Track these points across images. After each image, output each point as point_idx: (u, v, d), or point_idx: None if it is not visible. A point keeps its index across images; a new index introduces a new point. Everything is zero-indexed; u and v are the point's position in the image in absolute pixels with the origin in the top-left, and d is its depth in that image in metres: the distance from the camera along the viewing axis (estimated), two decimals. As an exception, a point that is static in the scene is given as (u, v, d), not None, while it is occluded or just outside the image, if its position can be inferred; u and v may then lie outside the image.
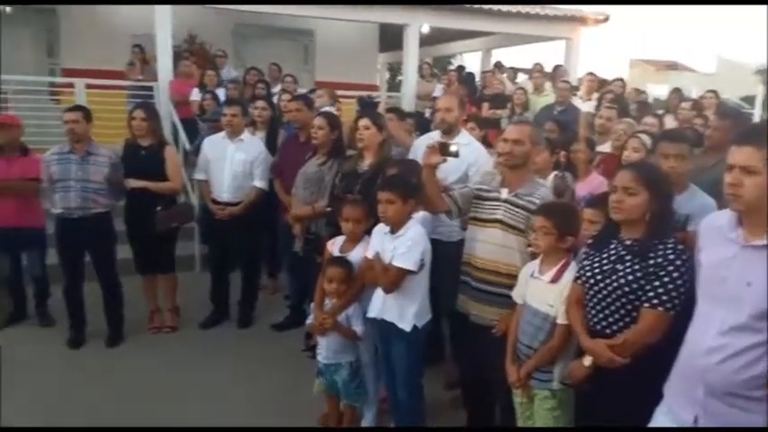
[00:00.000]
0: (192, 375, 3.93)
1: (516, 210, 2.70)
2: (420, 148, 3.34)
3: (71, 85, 7.59)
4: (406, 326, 2.82)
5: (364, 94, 8.40)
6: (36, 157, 4.46)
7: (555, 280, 2.46)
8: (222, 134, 4.60)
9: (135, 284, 4.59)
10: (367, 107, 5.22)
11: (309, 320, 3.16)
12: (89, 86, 7.44)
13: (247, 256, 4.76)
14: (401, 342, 2.86)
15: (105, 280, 4.32)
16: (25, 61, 9.15)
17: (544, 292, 2.48)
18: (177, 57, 7.88)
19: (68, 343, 4.26)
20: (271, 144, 4.96)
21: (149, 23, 7.72)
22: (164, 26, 7.66)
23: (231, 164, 4.50)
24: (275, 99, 6.41)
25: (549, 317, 2.46)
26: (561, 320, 2.42)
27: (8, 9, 9.22)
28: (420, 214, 2.93)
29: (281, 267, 5.36)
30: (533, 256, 2.60)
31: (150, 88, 7.67)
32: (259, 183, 4.57)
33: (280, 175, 4.59)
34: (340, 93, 6.70)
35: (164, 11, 7.63)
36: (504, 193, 2.75)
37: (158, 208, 4.32)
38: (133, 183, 4.25)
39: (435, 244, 2.96)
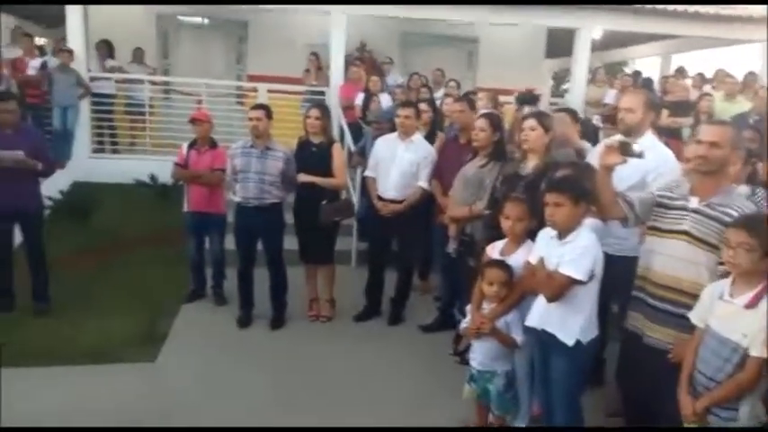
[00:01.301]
0: (343, 364, 4.07)
1: (707, 221, 2.39)
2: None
3: (255, 90, 8.33)
4: (568, 339, 2.63)
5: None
6: (222, 150, 4.94)
7: (751, 305, 2.13)
8: (395, 134, 4.72)
9: (298, 274, 4.86)
10: (526, 102, 4.96)
11: (464, 324, 3.09)
12: (270, 91, 8.11)
13: (405, 254, 4.83)
14: (562, 357, 2.67)
15: (273, 266, 4.63)
16: (217, 67, 10.25)
17: (737, 318, 2.15)
18: (348, 64, 8.29)
19: (237, 322, 4.64)
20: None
21: (326, 33, 8.22)
22: (338, 35, 8.11)
23: (400, 163, 4.60)
24: (438, 103, 6.46)
25: (740, 347, 2.13)
26: (757, 353, 2.08)
27: (206, 20, 10.39)
28: (590, 221, 2.72)
29: (432, 268, 5.37)
30: (725, 275, 2.27)
31: (322, 93, 8.16)
32: (423, 183, 4.62)
33: (438, 176, 4.59)
34: (502, 99, 6.57)
35: (339, 21, 8.08)
36: (694, 202, 2.45)
37: (323, 202, 4.54)
38: (303, 177, 4.51)
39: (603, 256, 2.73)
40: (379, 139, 4.90)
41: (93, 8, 8.37)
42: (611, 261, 2.79)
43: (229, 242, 4.94)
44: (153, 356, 4.06)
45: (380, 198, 4.67)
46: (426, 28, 9.81)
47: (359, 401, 3.60)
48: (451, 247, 4.09)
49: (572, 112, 4.11)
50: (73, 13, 7.70)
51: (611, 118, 5.31)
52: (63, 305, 4.75)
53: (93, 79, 7.94)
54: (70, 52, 7.53)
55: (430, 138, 5.09)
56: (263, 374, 3.88)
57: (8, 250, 4.69)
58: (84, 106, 7.81)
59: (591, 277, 2.57)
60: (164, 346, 4.21)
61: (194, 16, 10.27)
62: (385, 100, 7.06)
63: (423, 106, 5.27)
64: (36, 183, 4.68)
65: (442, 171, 4.53)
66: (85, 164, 7.73)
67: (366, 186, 4.95)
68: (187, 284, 5.16)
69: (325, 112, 4.72)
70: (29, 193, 4.61)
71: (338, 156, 4.64)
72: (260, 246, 4.65)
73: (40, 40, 11.36)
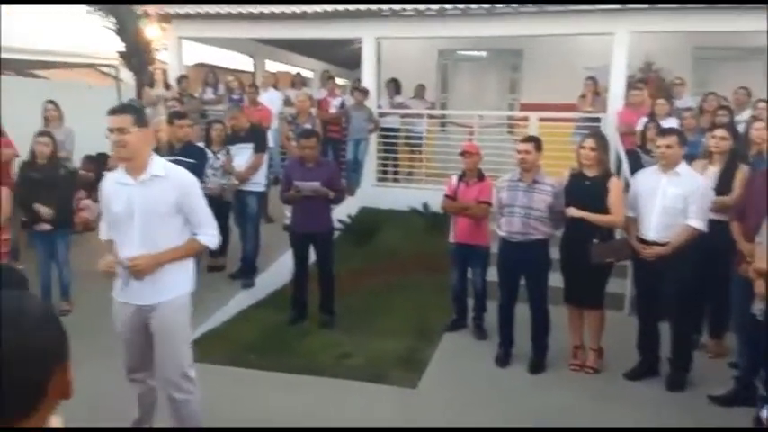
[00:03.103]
0: (605, 426, 3.63)
1: None
2: None
3: (526, 119, 8.26)
4: None
5: None
6: (489, 182, 4.96)
7: None
8: (655, 167, 4.19)
9: (562, 315, 4.56)
10: None
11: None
12: (541, 119, 7.94)
13: (679, 305, 4.12)
14: None
15: (535, 305, 4.43)
16: (491, 98, 10.47)
17: None
18: (629, 86, 7.64)
19: (496, 359, 4.54)
20: (726, 180, 4.26)
21: (606, 55, 7.73)
22: (619, 56, 7.57)
23: (662, 199, 4.03)
24: (741, 128, 5.51)
25: None
26: None
27: (483, 53, 10.71)
28: None
29: (728, 327, 4.51)
30: None
31: (598, 119, 7.67)
32: (695, 222, 3.95)
33: (740, 217, 3.85)
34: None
35: (621, 41, 7.53)
36: None
37: (595, 240, 4.19)
38: (573, 212, 4.23)
39: None
40: (638, 174, 4.37)
41: (385, 49, 9.32)
42: None
43: (492, 275, 4.90)
44: (414, 382, 4.21)
45: (641, 240, 4.12)
46: (727, 40, 8.48)
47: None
48: (757, 307, 3.35)
49: None
50: (368, 56, 8.69)
51: None
52: (344, 320, 5.30)
53: (381, 115, 8.81)
54: (365, 92, 8.49)
55: (729, 170, 4.34)
56: (517, 419, 3.70)
57: (305, 267, 5.42)
58: (372, 139, 8.70)
59: None
60: (425, 374, 4.34)
61: (473, 50, 10.67)
62: (670, 125, 6.27)
63: (719, 132, 4.52)
64: (329, 208, 5.33)
65: (747, 211, 3.79)
66: (371, 191, 8.59)
67: (627, 226, 4.38)
68: (450, 313, 5.27)
69: (600, 142, 4.37)
70: (323, 217, 5.27)
71: (615, 190, 4.23)
72: (523, 282, 4.50)
73: (339, 81, 13.08)
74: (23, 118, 6.36)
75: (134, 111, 2.82)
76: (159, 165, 2.79)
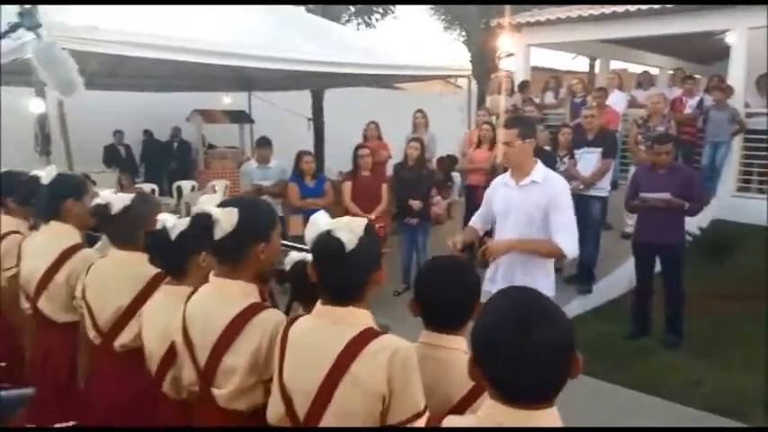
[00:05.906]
0: None
1: None
2: None
3: None
4: None
5: None
6: None
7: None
8: None
9: None
10: None
11: None
12: None
13: None
14: None
15: None
16: None
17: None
18: None
19: None
20: None
21: None
22: None
23: None
24: None
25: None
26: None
27: None
28: None
29: None
30: None
31: None
32: None
33: None
34: None
35: None
36: None
37: None
38: None
39: None
40: None
41: (756, 39, 8.00)
42: None
43: None
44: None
45: None
46: None
47: None
48: None
49: None
50: (737, 49, 7.62)
51: None
52: (690, 343, 4.81)
53: (749, 115, 7.64)
54: (728, 89, 7.47)
55: None
56: None
57: (649, 280, 5.08)
58: (736, 143, 7.61)
59: None
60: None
61: None
62: None
63: None
64: (681, 219, 4.85)
65: None
66: (728, 202, 7.54)
67: None
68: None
69: None
70: (673, 228, 4.80)
71: None
72: None
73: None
74: (392, 125, 7.48)
75: (521, 124, 3.05)
76: (540, 171, 2.99)
